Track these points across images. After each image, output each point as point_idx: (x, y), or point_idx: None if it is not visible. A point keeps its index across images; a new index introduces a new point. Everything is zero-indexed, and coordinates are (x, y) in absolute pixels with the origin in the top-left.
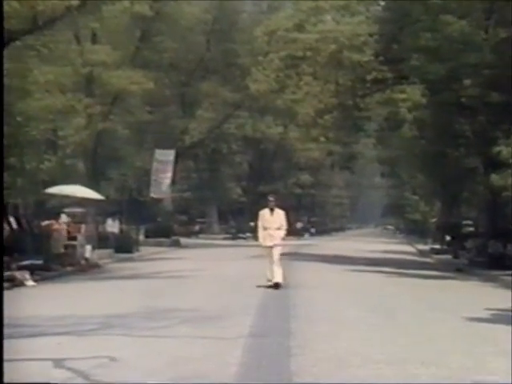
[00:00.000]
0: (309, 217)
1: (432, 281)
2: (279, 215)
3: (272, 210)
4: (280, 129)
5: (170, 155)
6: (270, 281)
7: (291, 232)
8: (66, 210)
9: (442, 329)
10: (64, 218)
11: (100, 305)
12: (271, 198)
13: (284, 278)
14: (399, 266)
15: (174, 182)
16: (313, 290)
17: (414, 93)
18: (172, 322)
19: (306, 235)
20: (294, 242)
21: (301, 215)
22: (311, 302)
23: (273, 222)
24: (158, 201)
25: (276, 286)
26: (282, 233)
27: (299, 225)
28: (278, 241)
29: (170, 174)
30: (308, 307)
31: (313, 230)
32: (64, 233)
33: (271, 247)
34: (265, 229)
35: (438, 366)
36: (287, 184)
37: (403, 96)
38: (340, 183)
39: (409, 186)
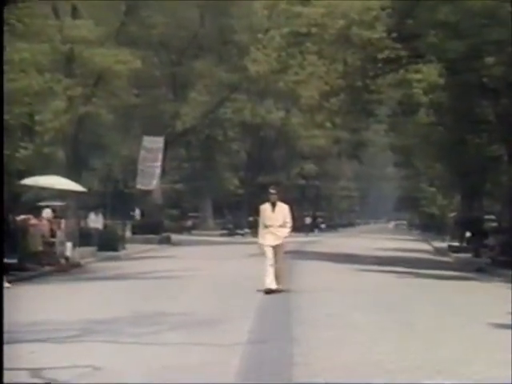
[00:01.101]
0: (313, 211)
1: (450, 282)
2: (282, 210)
3: (274, 204)
4: (281, 114)
5: (159, 142)
6: (269, 283)
7: (300, 228)
8: (45, 203)
9: (460, 335)
10: (48, 212)
11: (82, 308)
12: (272, 191)
13: (285, 278)
14: (413, 265)
15: (163, 172)
16: (318, 291)
17: (430, 73)
18: (162, 327)
19: (316, 231)
20: (301, 238)
21: (305, 209)
22: (316, 305)
23: (275, 218)
24: (147, 193)
25: (278, 290)
26: (287, 231)
27: (308, 220)
28: (281, 240)
29: (159, 164)
30: (312, 311)
31: (323, 226)
32: (46, 229)
33: (273, 248)
34: (266, 226)
35: (456, 375)
36: (290, 174)
37: (419, 76)
38: (348, 174)
39: (425, 176)
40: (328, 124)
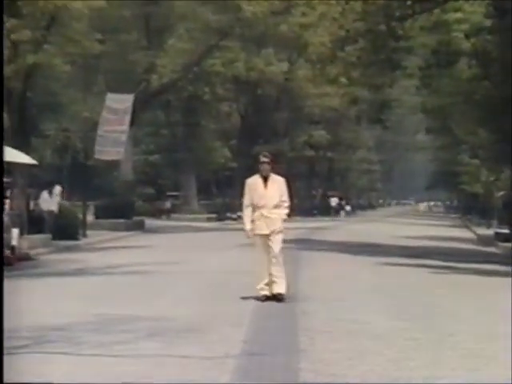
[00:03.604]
0: (324, 189)
1: (497, 279)
2: (278, 185)
3: (266, 177)
4: (284, 66)
5: (126, 102)
6: (264, 288)
7: (324, 210)
8: None
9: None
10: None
11: (32, 312)
12: (265, 159)
13: (283, 278)
14: (451, 257)
15: (135, 140)
16: (330, 291)
17: (474, 12)
18: (133, 335)
19: (342, 214)
20: (327, 223)
21: (313, 187)
22: (328, 308)
23: (268, 196)
24: (113, 166)
25: (277, 297)
26: (284, 212)
27: (334, 201)
28: (278, 226)
29: (125, 128)
30: (323, 315)
31: (348, 208)
32: None
33: (267, 236)
34: (255, 207)
35: None
36: (295, 144)
37: (459, 16)
38: (368, 143)
39: (466, 145)
40: (343, 79)
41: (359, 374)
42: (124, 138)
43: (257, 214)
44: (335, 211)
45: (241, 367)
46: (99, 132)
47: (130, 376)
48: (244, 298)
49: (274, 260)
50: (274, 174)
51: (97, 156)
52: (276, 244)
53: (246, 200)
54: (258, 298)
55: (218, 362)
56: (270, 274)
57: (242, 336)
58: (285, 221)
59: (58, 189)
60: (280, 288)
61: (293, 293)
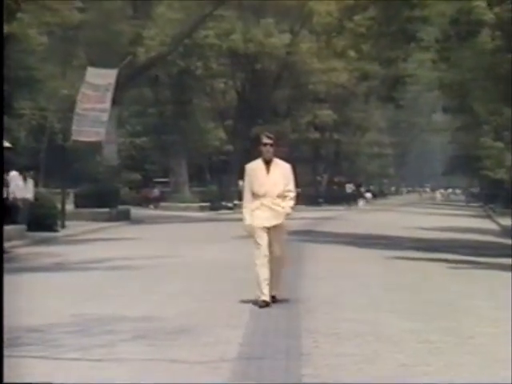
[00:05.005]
0: (330, 174)
1: None
2: (283, 172)
3: (269, 162)
4: (286, 38)
5: (109, 77)
6: (264, 301)
7: (331, 198)
8: None
9: None
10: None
11: (5, 311)
12: (267, 140)
13: (281, 278)
14: (471, 251)
15: (120, 121)
16: (336, 289)
17: None
18: (118, 337)
19: (361, 202)
20: (333, 212)
21: (319, 172)
22: (333, 307)
23: (271, 183)
24: (95, 149)
25: (272, 299)
26: (289, 204)
27: (349, 188)
28: (281, 219)
29: (107, 106)
30: (329, 315)
31: (368, 195)
32: None
33: (268, 229)
34: (255, 196)
35: None
36: (298, 124)
37: None
38: (380, 123)
39: (488, 126)
40: (352, 52)
41: (368, 380)
42: (105, 117)
43: (257, 203)
44: (353, 199)
45: (237, 372)
46: (77, 110)
47: (111, 381)
48: (243, 294)
49: (274, 260)
50: (278, 159)
51: (74, 137)
52: (277, 240)
53: (247, 188)
54: (259, 304)
55: (212, 367)
56: (268, 273)
57: (238, 338)
58: (289, 215)
59: (13, 174)
60: (275, 289)
61: (295, 291)
